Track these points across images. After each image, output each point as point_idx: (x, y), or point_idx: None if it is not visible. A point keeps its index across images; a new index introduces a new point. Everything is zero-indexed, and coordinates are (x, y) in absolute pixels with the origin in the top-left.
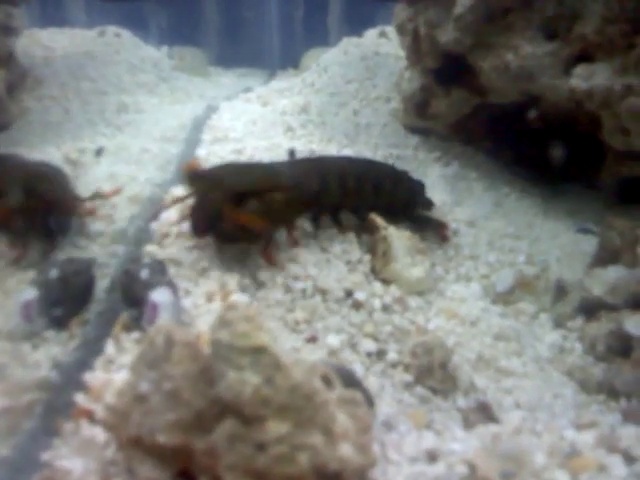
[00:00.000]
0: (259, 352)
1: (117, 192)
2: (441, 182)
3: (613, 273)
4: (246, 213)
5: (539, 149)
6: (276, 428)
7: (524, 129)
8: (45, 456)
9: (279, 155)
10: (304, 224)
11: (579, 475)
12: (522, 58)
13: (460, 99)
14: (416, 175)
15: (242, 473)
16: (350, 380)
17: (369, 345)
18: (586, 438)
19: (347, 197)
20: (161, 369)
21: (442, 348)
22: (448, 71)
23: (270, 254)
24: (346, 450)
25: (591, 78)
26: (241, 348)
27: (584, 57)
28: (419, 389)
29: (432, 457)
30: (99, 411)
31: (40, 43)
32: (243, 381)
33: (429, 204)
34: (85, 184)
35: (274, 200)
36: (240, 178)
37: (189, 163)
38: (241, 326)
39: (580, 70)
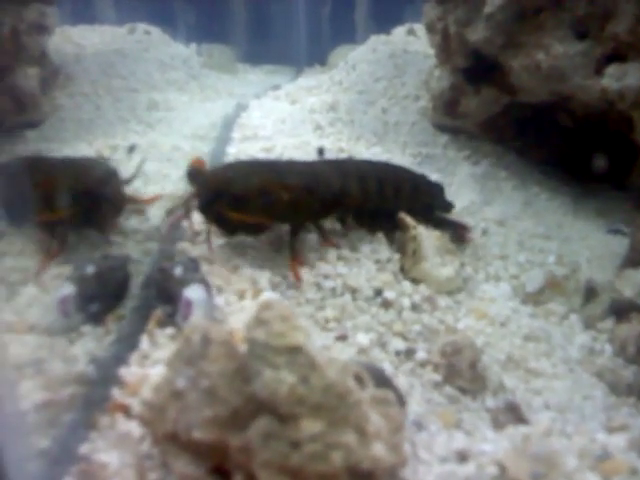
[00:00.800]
0: (295, 352)
1: (156, 199)
2: (470, 181)
3: None
4: (248, 215)
5: (569, 149)
6: (310, 427)
7: (554, 129)
8: (82, 449)
9: (308, 153)
10: (334, 224)
11: (610, 478)
12: (553, 58)
13: (490, 98)
14: (445, 174)
15: (276, 470)
16: (381, 379)
17: (398, 344)
18: (617, 441)
19: (368, 199)
20: (198, 366)
21: (471, 348)
22: (478, 70)
23: (296, 269)
24: (379, 449)
25: (623, 78)
26: (277, 347)
27: (616, 57)
28: (448, 389)
29: (462, 457)
30: (135, 406)
31: (71, 40)
32: (279, 380)
33: (449, 206)
34: None
35: (279, 199)
36: (243, 180)
37: (193, 161)
38: (277, 326)
39: (612, 70)
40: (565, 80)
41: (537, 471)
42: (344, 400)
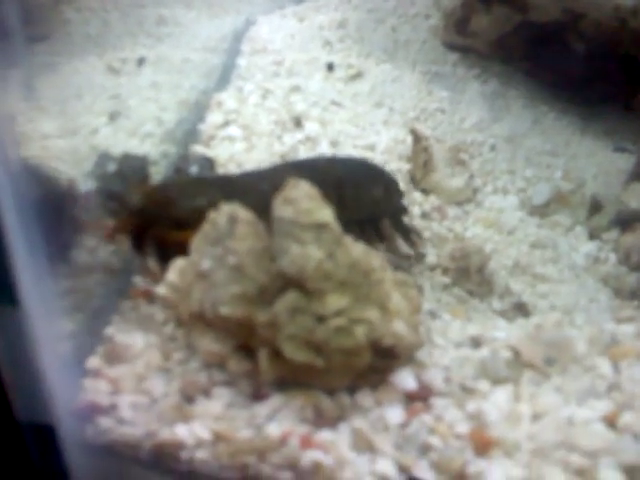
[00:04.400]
0: (321, 228)
1: None
2: (479, 99)
3: None
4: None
5: (578, 70)
6: (336, 302)
7: (564, 49)
8: (107, 331)
9: (318, 68)
10: None
11: (619, 362)
12: None
13: (501, 16)
14: (454, 92)
15: (301, 344)
16: (400, 267)
17: (406, 248)
18: (626, 329)
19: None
20: (224, 245)
21: (479, 253)
22: None
23: None
24: (400, 327)
25: None
26: (304, 224)
27: None
28: (456, 290)
29: (476, 343)
30: (158, 291)
31: None
32: (306, 255)
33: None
34: (129, 92)
35: None
36: (189, 200)
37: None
38: (304, 203)
39: None
40: None
41: (550, 355)
42: (368, 277)
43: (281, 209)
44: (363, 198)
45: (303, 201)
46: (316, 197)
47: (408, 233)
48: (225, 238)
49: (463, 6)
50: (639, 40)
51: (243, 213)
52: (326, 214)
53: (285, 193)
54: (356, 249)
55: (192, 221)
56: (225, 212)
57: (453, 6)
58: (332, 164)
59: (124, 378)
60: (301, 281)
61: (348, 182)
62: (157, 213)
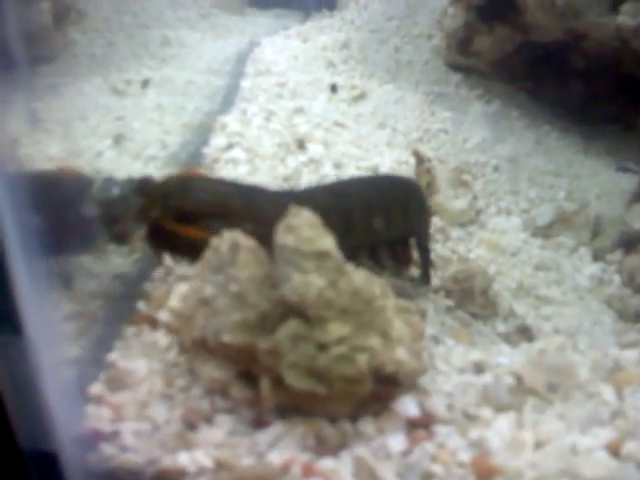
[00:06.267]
0: (323, 256)
1: None
2: (482, 119)
3: None
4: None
5: (580, 90)
6: (337, 329)
7: (566, 70)
8: (110, 357)
9: (321, 89)
10: None
11: (623, 388)
12: None
13: (503, 36)
14: (457, 112)
15: (303, 372)
16: (402, 292)
17: (411, 270)
18: (629, 355)
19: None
20: (226, 272)
21: (483, 275)
22: (492, 8)
23: None
24: (402, 354)
25: (639, 15)
26: (306, 252)
27: None
28: (460, 313)
29: (479, 369)
30: (160, 317)
31: None
32: (308, 283)
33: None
34: (133, 114)
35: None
36: (196, 195)
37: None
38: (306, 231)
39: (627, 7)
40: (580, 17)
41: (552, 381)
42: (370, 305)
43: (283, 237)
44: (397, 218)
45: (304, 229)
46: (317, 225)
47: (429, 254)
48: (227, 265)
49: (465, 27)
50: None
51: (245, 240)
52: (327, 242)
53: (287, 221)
54: (358, 277)
55: (204, 217)
56: (227, 239)
57: (455, 26)
58: (365, 184)
59: (127, 405)
60: (302, 309)
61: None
62: (174, 204)
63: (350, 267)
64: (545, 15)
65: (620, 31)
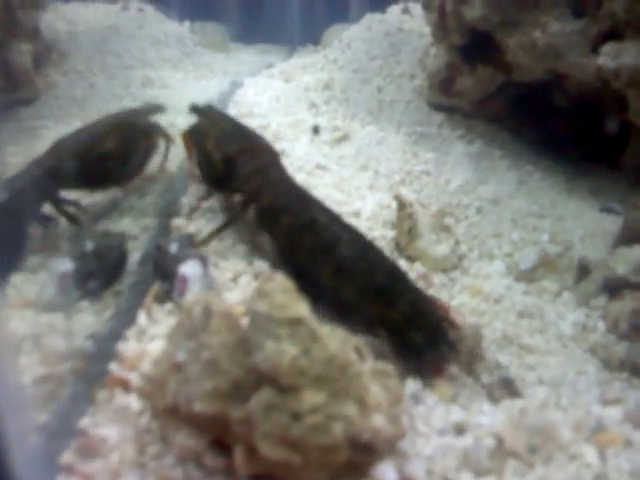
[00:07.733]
0: (296, 323)
1: None
2: (465, 160)
3: (638, 252)
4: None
5: (563, 129)
6: (312, 398)
7: (548, 108)
8: (81, 423)
9: (303, 131)
10: None
11: (606, 450)
12: (550, 36)
13: (485, 77)
14: (439, 153)
15: (277, 442)
16: (381, 353)
17: None
18: (612, 413)
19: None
20: (199, 339)
21: (474, 338)
22: (474, 48)
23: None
24: (378, 421)
25: (619, 57)
26: (279, 319)
27: (613, 35)
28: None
29: (460, 430)
30: (133, 380)
31: (64, 17)
32: (281, 351)
33: None
34: None
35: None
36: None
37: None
38: (279, 297)
39: (608, 48)
40: (561, 58)
41: (534, 443)
42: (345, 372)
43: (256, 303)
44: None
45: (277, 295)
46: (291, 290)
47: None
48: (199, 331)
49: (448, 67)
50: (621, 100)
51: (217, 305)
52: (301, 308)
53: (260, 286)
54: (333, 343)
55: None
56: (200, 303)
57: (438, 66)
58: None
59: (98, 474)
60: (276, 377)
61: None
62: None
63: (325, 332)
64: (526, 56)
65: (601, 72)
